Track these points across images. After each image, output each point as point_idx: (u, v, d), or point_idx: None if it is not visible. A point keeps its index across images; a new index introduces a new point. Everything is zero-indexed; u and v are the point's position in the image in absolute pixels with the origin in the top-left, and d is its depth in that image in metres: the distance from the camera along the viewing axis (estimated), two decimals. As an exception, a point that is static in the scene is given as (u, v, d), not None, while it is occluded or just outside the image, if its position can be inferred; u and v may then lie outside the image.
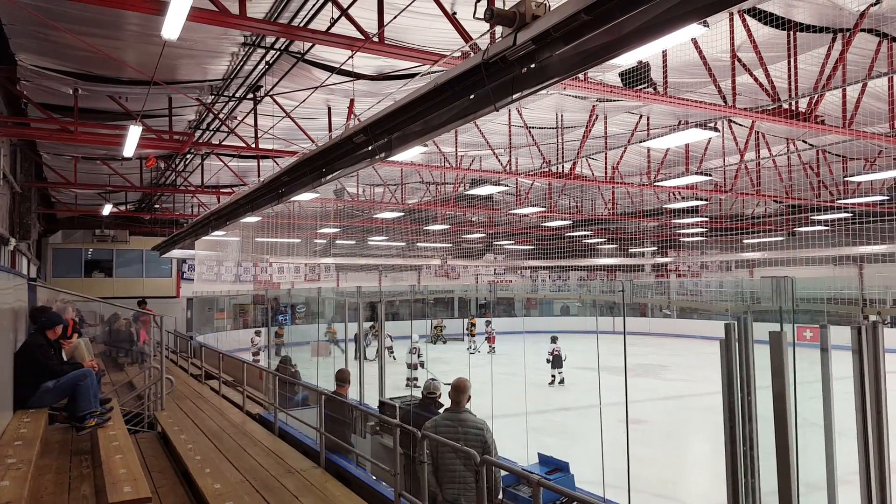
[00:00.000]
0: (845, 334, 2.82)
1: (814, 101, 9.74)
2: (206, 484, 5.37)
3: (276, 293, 23.14)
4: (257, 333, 21.04)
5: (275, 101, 10.60)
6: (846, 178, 17.08)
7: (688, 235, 31.79)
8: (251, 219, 14.46)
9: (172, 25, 5.15)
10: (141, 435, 7.75)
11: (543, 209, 21.46)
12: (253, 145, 11.44)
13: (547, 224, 26.46)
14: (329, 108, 12.11)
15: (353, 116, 10.98)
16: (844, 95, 10.93)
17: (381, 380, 7.21)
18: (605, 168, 17.19)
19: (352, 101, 11.08)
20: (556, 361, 17.58)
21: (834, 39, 9.35)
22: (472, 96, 4.99)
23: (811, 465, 3.04)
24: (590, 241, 33.41)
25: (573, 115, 13.84)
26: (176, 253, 22.83)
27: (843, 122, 10.89)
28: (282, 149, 12.15)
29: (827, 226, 24.90)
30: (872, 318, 2.87)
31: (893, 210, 19.92)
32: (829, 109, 11.18)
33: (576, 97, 12.44)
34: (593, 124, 13.35)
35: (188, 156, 14.91)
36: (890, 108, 10.98)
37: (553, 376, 17.39)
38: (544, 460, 4.76)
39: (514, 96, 4.64)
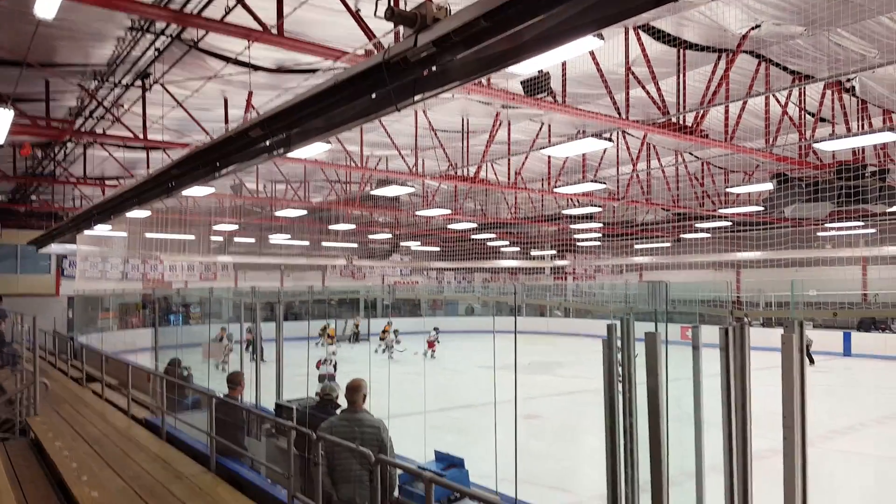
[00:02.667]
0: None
1: (699, 116, 10.48)
2: (83, 493, 5.00)
3: (167, 292, 21.87)
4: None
5: (165, 89, 10.02)
6: (727, 190, 18.52)
7: (584, 240, 33.30)
8: (139, 213, 13.59)
9: (46, 4, 4.74)
10: (11, 443, 7.10)
11: (449, 212, 21.71)
12: (141, 136, 10.76)
13: (453, 226, 26.81)
14: (225, 100, 11.62)
15: (250, 109, 10.59)
16: (727, 112, 11.83)
17: (278, 382, 7.01)
18: (509, 173, 17.65)
19: (250, 93, 10.68)
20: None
21: (719, 59, 10.11)
22: (373, 95, 4.96)
23: (686, 454, 3.26)
24: (493, 243, 34.19)
25: (478, 119, 14.11)
26: (55, 248, 21.06)
27: (725, 136, 11.79)
28: (173, 140, 11.51)
29: (709, 233, 26.90)
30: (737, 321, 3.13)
31: (767, 220, 21.85)
32: (712, 125, 12.07)
33: (480, 102, 12.67)
34: (497, 130, 13.67)
35: (69, 144, 13.79)
36: (766, 125, 12.03)
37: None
38: (440, 457, 4.81)
39: (416, 98, 4.65)
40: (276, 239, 28.38)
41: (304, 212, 21.60)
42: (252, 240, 28.66)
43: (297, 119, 5.92)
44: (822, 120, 12.51)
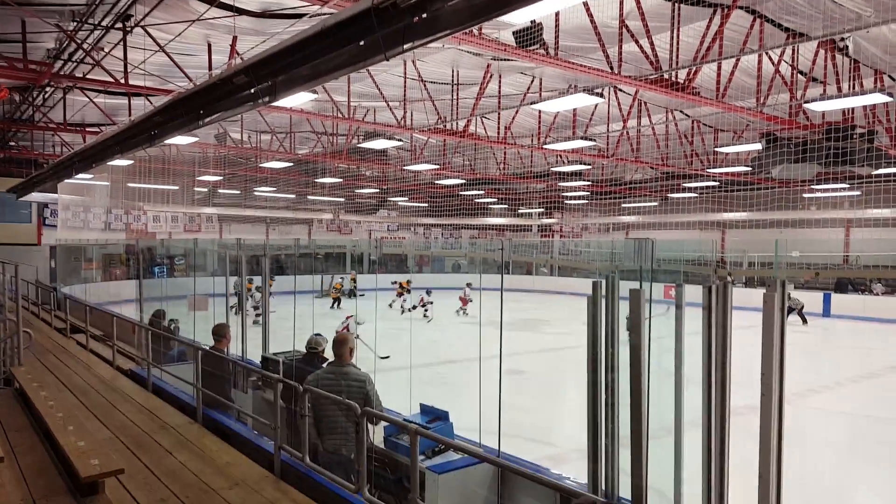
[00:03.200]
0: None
1: (692, 73, 10.34)
2: (69, 442, 5.01)
3: (150, 243, 21.64)
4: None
5: (147, 32, 9.67)
6: (716, 149, 18.49)
7: (572, 198, 33.30)
8: (122, 162, 13.32)
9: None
10: (-6, 392, 7.08)
11: (437, 167, 21.51)
12: (122, 80, 10.44)
13: (440, 182, 26.63)
14: (209, 45, 11.26)
15: (235, 55, 10.28)
16: (719, 69, 11.69)
17: (264, 335, 7.03)
18: (498, 128, 17.44)
19: (234, 38, 10.36)
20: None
21: (714, 14, 9.91)
22: (361, 43, 4.82)
23: (666, 410, 3.33)
24: (481, 200, 34.09)
25: (468, 71, 13.83)
26: (36, 196, 20.69)
27: (717, 94, 11.68)
28: (156, 86, 11.18)
29: (696, 193, 27.01)
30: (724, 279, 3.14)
31: (754, 180, 21.92)
32: (704, 82, 11.92)
33: (471, 53, 12.41)
34: (488, 82, 13.43)
35: (48, 88, 13.37)
36: (758, 83, 11.92)
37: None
38: (426, 410, 4.88)
39: (406, 46, 4.53)
40: (262, 191, 28.06)
41: (290, 164, 21.31)
42: (237, 191, 28.31)
43: (283, 66, 5.76)
44: (814, 80, 12.43)
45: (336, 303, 22.13)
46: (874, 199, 21.85)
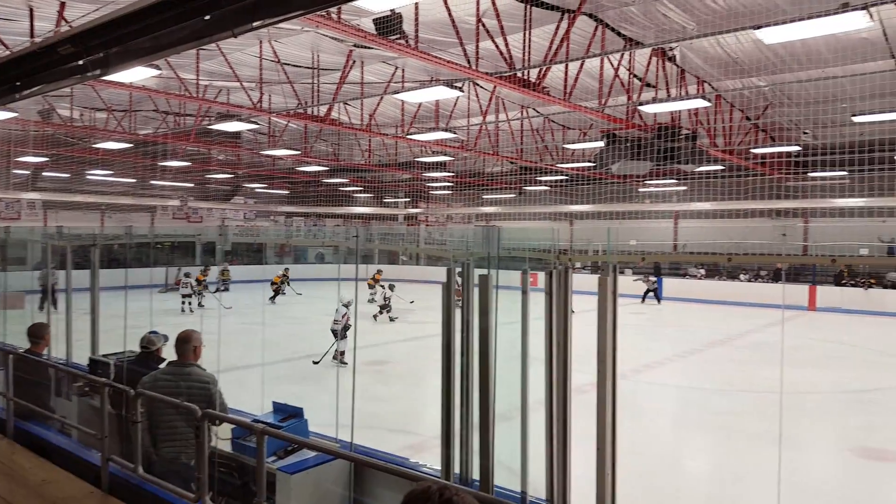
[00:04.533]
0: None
1: (542, 72, 10.88)
2: None
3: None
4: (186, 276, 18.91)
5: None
6: (564, 146, 19.70)
7: (436, 188, 33.89)
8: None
9: None
10: None
11: (298, 152, 20.80)
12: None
13: (302, 169, 25.81)
14: (31, 10, 9.96)
15: (62, 22, 9.17)
16: (566, 70, 12.43)
17: (93, 335, 6.32)
18: (362, 116, 17.22)
19: (62, 3, 9.25)
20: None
21: (561, 18, 10.50)
22: (207, 17, 4.48)
23: (516, 391, 3.45)
24: (347, 189, 33.56)
25: (330, 56, 13.49)
26: None
27: (564, 94, 12.41)
28: (-40, 52, 9.69)
29: (548, 186, 28.65)
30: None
31: (598, 175, 23.67)
32: (553, 82, 12.62)
33: (332, 38, 12.10)
34: (350, 69, 13.19)
35: None
36: (599, 86, 12.82)
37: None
38: (278, 408, 4.67)
39: (255, 24, 4.27)
40: (96, 175, 25.37)
41: (130, 145, 19.48)
42: (66, 175, 25.36)
43: (118, 37, 5.22)
44: (648, 85, 13.63)
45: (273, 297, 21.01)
46: (697, 192, 24.56)
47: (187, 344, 4.19)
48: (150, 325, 5.49)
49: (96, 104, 16.94)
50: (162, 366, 4.51)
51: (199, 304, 19.18)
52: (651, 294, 23.17)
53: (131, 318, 6.09)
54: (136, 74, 9.64)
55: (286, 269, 23.24)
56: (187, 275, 19.10)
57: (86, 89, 14.58)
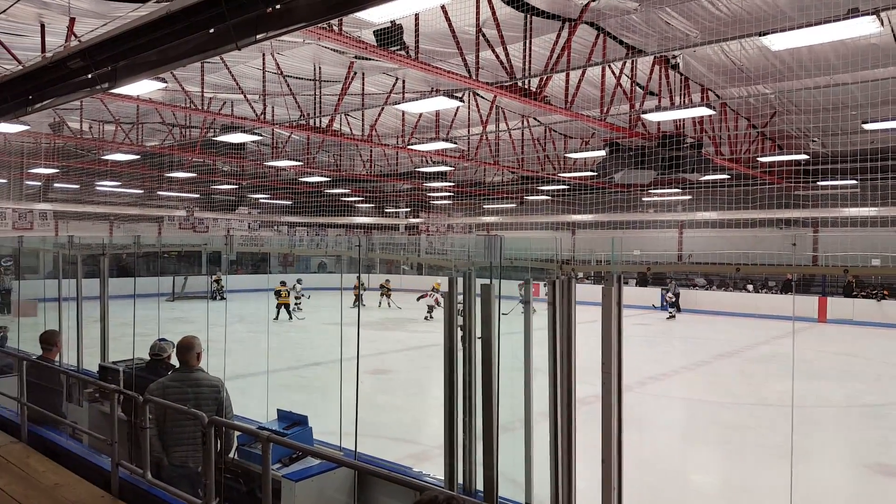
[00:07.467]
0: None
1: (543, 82, 10.96)
2: None
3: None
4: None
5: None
6: (566, 155, 19.76)
7: (437, 198, 33.98)
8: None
9: None
10: None
11: (300, 163, 20.93)
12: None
13: (305, 179, 25.95)
14: (43, 26, 10.12)
15: (72, 37, 9.32)
16: (567, 79, 12.50)
17: (103, 343, 6.40)
18: (363, 127, 17.34)
19: (72, 19, 9.40)
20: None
21: (562, 27, 10.59)
22: (211, 30, 4.59)
23: (520, 402, 3.47)
24: (348, 199, 33.68)
25: (331, 68, 13.62)
26: None
27: (566, 103, 12.48)
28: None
29: (549, 195, 28.69)
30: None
31: (600, 185, 23.70)
32: (555, 91, 12.71)
33: (333, 50, 12.23)
34: (351, 81, 13.31)
35: None
36: (601, 94, 12.90)
37: None
38: (283, 416, 4.71)
39: (259, 37, 4.39)
40: (104, 186, 25.60)
41: (137, 156, 19.66)
42: (76, 186, 25.59)
43: (125, 51, 5.36)
44: (651, 93, 13.70)
45: (280, 310, 19.48)
46: (703, 202, 24.53)
47: (191, 350, 4.26)
48: (159, 332, 5.55)
49: (105, 117, 17.13)
50: (170, 373, 4.57)
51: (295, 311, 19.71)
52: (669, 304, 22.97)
53: (139, 326, 6.16)
54: (143, 87, 9.76)
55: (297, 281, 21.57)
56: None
57: (95, 102, 14.74)
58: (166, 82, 10.77)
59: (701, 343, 17.52)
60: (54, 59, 6.11)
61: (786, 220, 24.69)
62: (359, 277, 20.77)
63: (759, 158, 18.36)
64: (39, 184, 24.83)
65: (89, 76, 5.84)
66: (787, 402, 9.25)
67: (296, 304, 20.08)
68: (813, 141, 18.63)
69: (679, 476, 7.33)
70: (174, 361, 4.89)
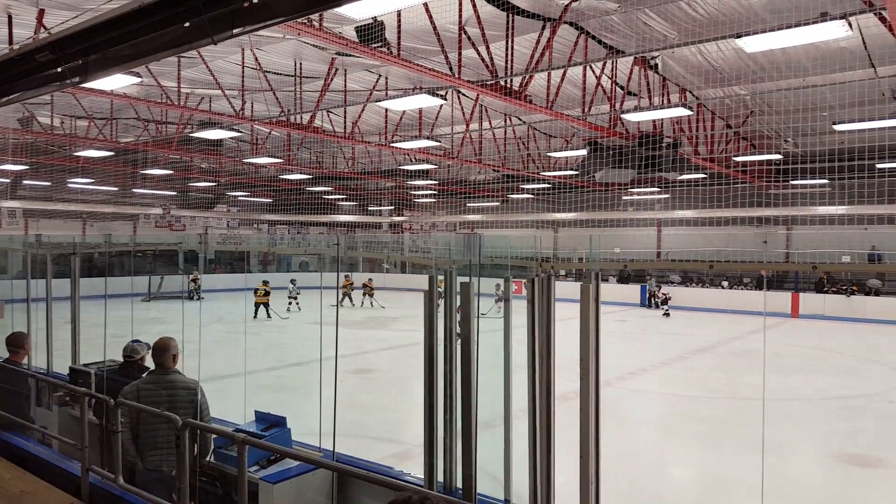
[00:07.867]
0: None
1: (525, 81, 10.97)
2: None
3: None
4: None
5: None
6: (548, 154, 19.83)
7: (420, 196, 33.90)
8: None
9: None
10: None
11: (281, 160, 20.72)
12: None
13: (286, 177, 25.71)
14: (10, 17, 9.85)
15: (41, 29, 9.10)
16: (549, 78, 12.53)
17: (74, 345, 6.24)
18: (345, 124, 17.21)
19: (41, 11, 9.17)
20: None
21: (544, 27, 10.60)
22: (186, 24, 4.48)
23: (500, 399, 3.45)
24: (330, 197, 33.44)
25: (312, 64, 13.49)
26: None
27: (547, 103, 12.50)
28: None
29: (532, 194, 28.78)
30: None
31: (581, 183, 23.83)
32: (537, 91, 12.73)
33: (314, 46, 12.10)
34: (332, 77, 13.19)
35: None
36: (583, 94, 12.95)
37: None
38: (261, 417, 4.63)
39: (235, 31, 4.28)
40: (77, 183, 25.10)
41: (111, 153, 19.31)
42: (47, 183, 25.05)
43: (97, 44, 5.21)
44: (630, 93, 13.79)
45: (258, 309, 19.21)
46: (680, 201, 24.81)
47: (167, 352, 4.16)
48: (132, 334, 5.43)
49: (77, 112, 16.77)
50: (144, 375, 4.47)
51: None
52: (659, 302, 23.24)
53: (113, 327, 6.02)
54: (117, 82, 9.58)
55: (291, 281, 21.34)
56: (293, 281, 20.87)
57: (66, 97, 14.44)
58: (141, 77, 10.57)
59: (678, 339, 17.72)
60: (21, 51, 5.93)
61: (759, 219, 25.09)
62: (347, 276, 20.80)
63: (734, 158, 18.63)
64: (8, 181, 24.27)
65: (59, 70, 5.68)
66: (761, 395, 9.38)
67: (294, 303, 20.31)
68: (786, 141, 18.96)
69: (657, 469, 7.41)
70: (148, 363, 4.78)
